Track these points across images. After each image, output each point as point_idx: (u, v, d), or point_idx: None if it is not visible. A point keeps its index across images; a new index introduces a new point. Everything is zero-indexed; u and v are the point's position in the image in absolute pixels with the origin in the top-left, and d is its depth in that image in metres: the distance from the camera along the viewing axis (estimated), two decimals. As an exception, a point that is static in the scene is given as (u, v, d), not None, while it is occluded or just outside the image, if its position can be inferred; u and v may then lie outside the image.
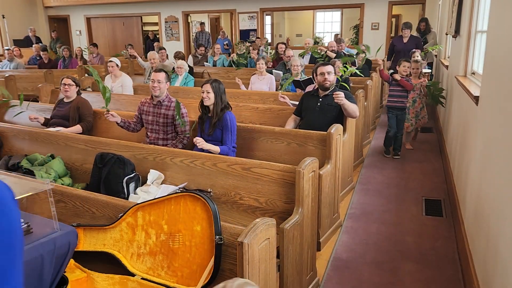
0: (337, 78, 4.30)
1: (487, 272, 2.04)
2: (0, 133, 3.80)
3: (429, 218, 3.40)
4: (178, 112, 3.30)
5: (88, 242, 2.11)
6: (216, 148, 3.08)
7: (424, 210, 3.54)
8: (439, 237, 3.09)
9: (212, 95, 3.17)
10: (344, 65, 4.57)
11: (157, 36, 11.36)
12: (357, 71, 4.66)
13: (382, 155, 5.03)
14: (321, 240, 2.95)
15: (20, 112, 4.14)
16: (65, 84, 4.05)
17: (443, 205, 3.64)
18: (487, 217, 2.12)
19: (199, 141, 3.02)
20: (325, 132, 3.07)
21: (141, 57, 8.08)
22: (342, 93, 3.36)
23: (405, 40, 6.56)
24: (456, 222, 3.12)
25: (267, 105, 4.34)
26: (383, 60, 7.63)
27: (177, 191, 2.57)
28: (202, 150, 3.10)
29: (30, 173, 3.05)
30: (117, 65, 5.31)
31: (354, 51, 7.09)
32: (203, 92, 3.19)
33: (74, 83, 4.07)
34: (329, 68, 3.51)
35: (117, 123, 3.53)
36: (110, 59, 5.38)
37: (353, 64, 6.30)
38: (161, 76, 3.42)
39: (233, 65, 7.23)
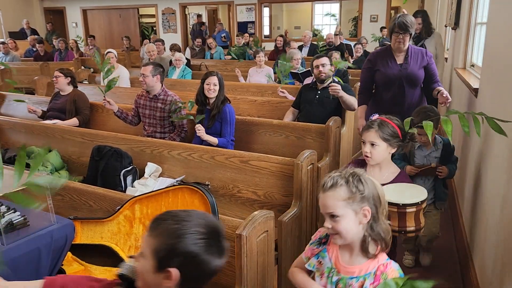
0: (336, 70, 4.27)
1: (485, 264, 2.04)
2: (-4, 126, 3.77)
3: (427, 211, 3.40)
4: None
5: (85, 235, 2.10)
6: (214, 140, 3.07)
7: (422, 202, 3.53)
8: (437, 230, 3.09)
9: (217, 88, 3.16)
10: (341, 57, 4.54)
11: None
12: (350, 65, 4.39)
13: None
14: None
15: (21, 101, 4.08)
16: (54, 77, 4.05)
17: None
18: (486, 209, 2.11)
19: (200, 129, 3.01)
20: (324, 125, 3.06)
21: (137, 50, 8.04)
22: (338, 85, 3.35)
23: (399, 59, 2.88)
24: (455, 215, 3.12)
25: (265, 97, 4.31)
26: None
27: (175, 184, 2.56)
28: (201, 142, 3.09)
29: (26, 166, 3.02)
30: (115, 56, 5.30)
31: (352, 43, 7.06)
32: (208, 84, 3.16)
33: (62, 75, 4.02)
34: (323, 60, 3.49)
35: (114, 112, 3.51)
36: (108, 51, 5.36)
37: (351, 55, 6.30)
38: (147, 69, 3.37)
39: (235, 57, 7.17)
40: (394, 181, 1.88)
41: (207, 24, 12.53)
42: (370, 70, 3.02)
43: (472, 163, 2.64)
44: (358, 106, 3.15)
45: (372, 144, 1.87)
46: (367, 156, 1.89)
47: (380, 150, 1.86)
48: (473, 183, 2.54)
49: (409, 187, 1.83)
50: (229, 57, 7.14)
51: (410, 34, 2.81)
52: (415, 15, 4.11)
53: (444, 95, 2.62)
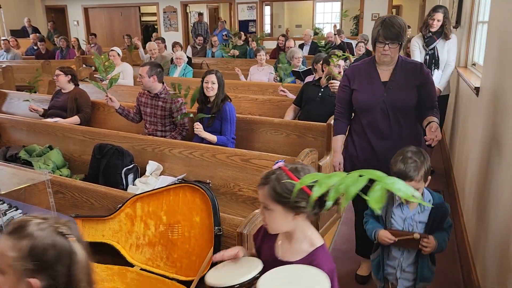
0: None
1: (485, 264, 2.05)
2: (-2, 124, 3.78)
3: (428, 210, 3.39)
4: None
5: (87, 233, 2.11)
6: (213, 137, 3.07)
7: (423, 201, 3.53)
8: (438, 228, 3.09)
9: (216, 86, 3.16)
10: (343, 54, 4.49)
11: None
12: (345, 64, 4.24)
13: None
14: (320, 232, 2.95)
15: (27, 100, 4.10)
16: (55, 75, 4.07)
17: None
18: (487, 209, 2.11)
19: (199, 127, 3.02)
20: (325, 123, 3.06)
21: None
22: (338, 82, 3.34)
23: (384, 75, 2.18)
24: (456, 214, 3.12)
25: (267, 96, 4.31)
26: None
27: (176, 182, 2.57)
28: (202, 141, 3.09)
29: (28, 164, 3.03)
30: (118, 54, 5.32)
31: (353, 41, 7.05)
32: (207, 83, 3.16)
33: (62, 73, 4.03)
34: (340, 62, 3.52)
35: (115, 109, 3.52)
36: (111, 48, 5.39)
37: (352, 53, 6.29)
38: (143, 70, 3.38)
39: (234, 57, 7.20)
40: (301, 261, 1.23)
41: (208, 22, 12.53)
42: (346, 89, 2.27)
43: (473, 161, 2.64)
44: (334, 135, 2.39)
45: (266, 207, 1.24)
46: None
47: (276, 217, 1.22)
48: (476, 179, 2.54)
49: (312, 278, 1.10)
50: (232, 53, 7.15)
51: (400, 44, 2.07)
52: (436, 9, 3.46)
53: (433, 130, 1.95)
